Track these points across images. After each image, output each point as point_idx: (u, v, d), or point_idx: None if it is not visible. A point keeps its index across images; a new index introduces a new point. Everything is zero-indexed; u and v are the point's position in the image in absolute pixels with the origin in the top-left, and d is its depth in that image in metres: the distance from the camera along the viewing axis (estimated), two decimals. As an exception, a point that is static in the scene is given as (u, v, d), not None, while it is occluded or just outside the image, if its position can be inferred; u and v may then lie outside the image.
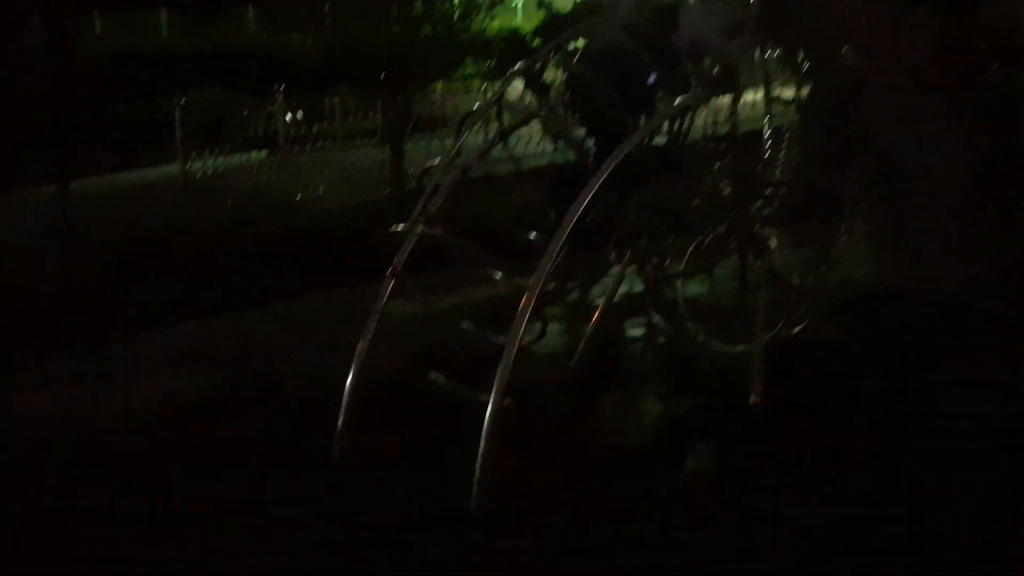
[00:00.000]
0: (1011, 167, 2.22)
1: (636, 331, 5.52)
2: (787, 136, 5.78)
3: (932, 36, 2.21)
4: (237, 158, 10.70)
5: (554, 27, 9.38)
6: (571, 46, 5.90)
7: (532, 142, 8.03)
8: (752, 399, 4.05)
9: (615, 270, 5.32)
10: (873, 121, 2.20)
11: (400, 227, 3.81)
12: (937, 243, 2.22)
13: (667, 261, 5.48)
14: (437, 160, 4.17)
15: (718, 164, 4.89)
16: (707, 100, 5.07)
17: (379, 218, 6.46)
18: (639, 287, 5.52)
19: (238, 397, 4.67)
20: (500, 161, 5.48)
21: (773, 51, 6.10)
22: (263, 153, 11.18)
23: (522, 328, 3.26)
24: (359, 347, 3.67)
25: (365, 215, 7.75)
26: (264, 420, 4.24)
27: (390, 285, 3.79)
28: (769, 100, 5.93)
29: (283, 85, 10.94)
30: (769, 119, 5.85)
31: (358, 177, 9.52)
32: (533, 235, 3.79)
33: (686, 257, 5.30)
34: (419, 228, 3.77)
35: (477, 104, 5.22)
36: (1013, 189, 2.27)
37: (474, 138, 4.90)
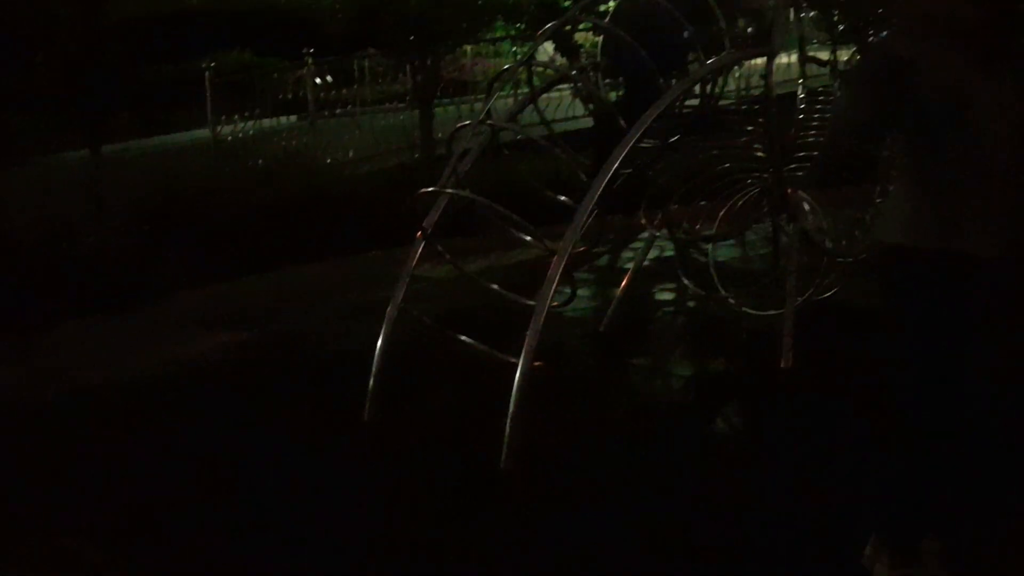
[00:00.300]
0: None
1: (666, 295, 5.49)
2: (821, 99, 5.69)
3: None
4: (267, 122, 10.71)
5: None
6: (602, 7, 5.85)
7: (563, 106, 7.98)
8: (782, 363, 4.03)
9: (646, 234, 5.31)
10: (919, 84, 2.15)
11: (429, 190, 3.80)
12: (978, 207, 2.17)
13: (698, 225, 5.44)
14: (467, 123, 4.15)
15: (751, 127, 4.80)
16: (740, 62, 5.02)
17: (408, 182, 6.46)
18: (670, 251, 5.50)
19: (271, 358, 4.72)
20: (531, 124, 5.47)
21: (808, 12, 5.99)
22: (293, 118, 11.17)
23: (552, 291, 3.26)
24: (389, 310, 3.68)
25: (395, 179, 7.75)
26: (295, 381, 4.29)
27: (419, 248, 3.79)
28: (804, 62, 5.84)
29: (312, 48, 10.90)
30: (803, 81, 5.76)
31: (388, 141, 9.49)
32: (563, 198, 3.76)
33: (717, 221, 5.27)
34: (448, 191, 3.76)
35: (507, 67, 5.15)
36: None
37: (504, 101, 4.89)
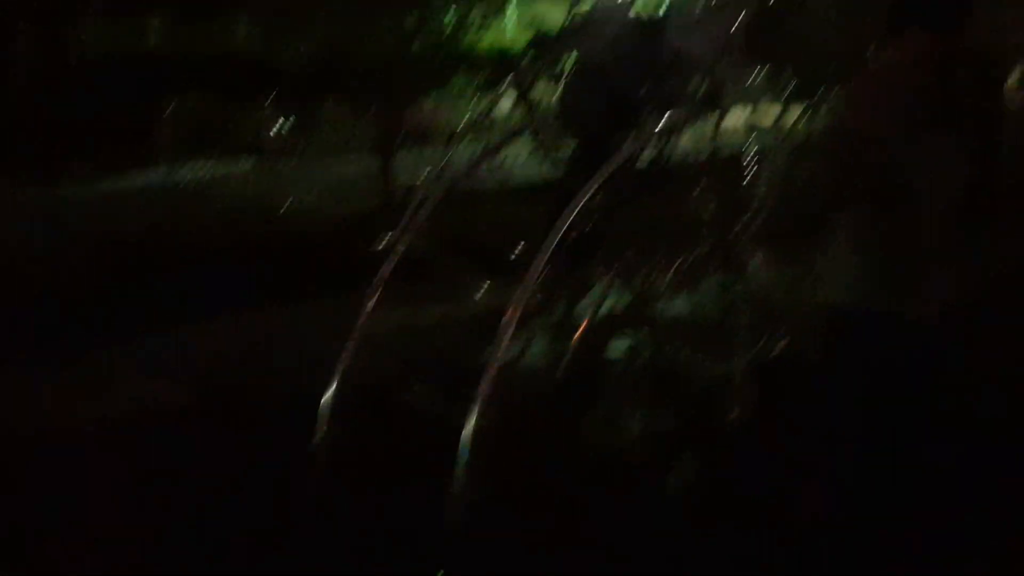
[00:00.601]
0: (994, 192, 2.25)
1: (621, 347, 5.51)
2: (773, 155, 5.82)
3: (921, 56, 2.23)
4: (225, 166, 10.65)
5: (544, 44, 9.44)
6: (561, 62, 5.96)
7: (521, 157, 8.04)
8: (733, 417, 4.07)
9: (601, 285, 5.35)
10: (867, 142, 2.22)
11: (385, 242, 3.81)
12: (921, 267, 2.24)
13: (653, 277, 5.49)
14: (428, 171, 4.20)
15: (704, 181, 4.89)
16: (694, 118, 5.12)
17: (367, 229, 6.44)
18: (625, 303, 5.52)
19: (218, 407, 4.64)
20: (490, 174, 5.52)
21: (761, 69, 6.16)
22: (251, 161, 11.14)
23: (505, 344, 3.27)
24: (341, 359, 3.66)
25: (353, 226, 7.73)
26: (242, 431, 4.21)
27: (374, 298, 3.79)
28: (756, 119, 5.98)
29: (273, 93, 10.92)
30: (755, 137, 5.89)
31: (347, 188, 9.50)
32: (518, 250, 3.79)
33: (671, 273, 5.32)
34: (403, 243, 3.78)
35: (467, 117, 5.22)
36: (994, 215, 2.30)
37: (465, 151, 4.93)
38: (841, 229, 2.44)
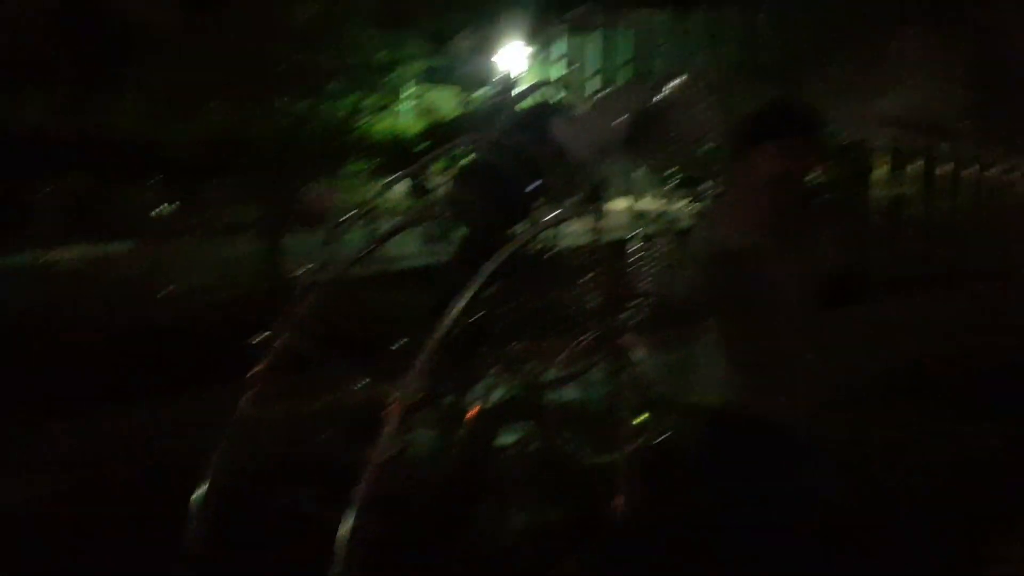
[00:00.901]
0: (843, 297, 2.39)
1: (508, 439, 5.48)
2: (654, 246, 6.02)
3: (778, 167, 2.36)
4: (103, 248, 10.29)
5: (439, 132, 9.62)
6: (454, 154, 6.07)
7: (411, 245, 8.05)
8: (616, 508, 4.08)
9: (489, 376, 5.35)
10: (730, 244, 2.34)
11: (264, 335, 3.72)
12: (782, 371, 2.34)
13: (539, 367, 5.53)
14: (315, 257, 4.16)
15: (589, 273, 5.00)
16: (577, 214, 5.27)
17: (252, 316, 6.29)
18: (513, 392, 5.53)
19: (81, 504, 4.39)
20: (379, 261, 5.50)
21: (642, 165, 6.42)
22: (132, 243, 10.80)
23: (387, 439, 3.20)
24: (214, 455, 3.51)
25: (238, 312, 7.53)
26: (107, 530, 3.98)
27: (251, 391, 3.68)
28: (637, 211, 6.20)
29: (158, 173, 10.70)
30: (637, 230, 6.09)
31: (233, 271, 9.29)
32: (405, 341, 3.77)
33: (557, 364, 5.38)
34: (285, 333, 3.70)
35: (359, 202, 5.21)
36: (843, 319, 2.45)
37: (355, 237, 4.91)
38: (711, 326, 2.55)
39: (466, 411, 5.52)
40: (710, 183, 8.08)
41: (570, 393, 6.08)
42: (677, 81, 5.14)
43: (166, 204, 10.62)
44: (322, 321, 4.14)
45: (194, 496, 3.45)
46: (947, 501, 4.67)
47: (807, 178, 2.52)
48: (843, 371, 2.56)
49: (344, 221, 4.62)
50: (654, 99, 5.02)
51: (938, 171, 8.07)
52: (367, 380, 3.63)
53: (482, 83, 10.84)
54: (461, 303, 3.66)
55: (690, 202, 6.63)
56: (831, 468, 2.41)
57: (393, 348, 4.08)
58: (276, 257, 8.49)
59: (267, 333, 3.75)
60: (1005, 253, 10.04)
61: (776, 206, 2.38)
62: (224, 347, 6.28)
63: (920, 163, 7.62)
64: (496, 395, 5.71)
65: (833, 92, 24.88)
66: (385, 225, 4.91)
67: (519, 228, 4.97)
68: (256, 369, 3.66)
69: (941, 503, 4.65)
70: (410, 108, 14.58)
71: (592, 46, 22.04)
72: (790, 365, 2.35)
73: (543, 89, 5.31)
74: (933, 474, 4.89)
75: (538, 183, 4.64)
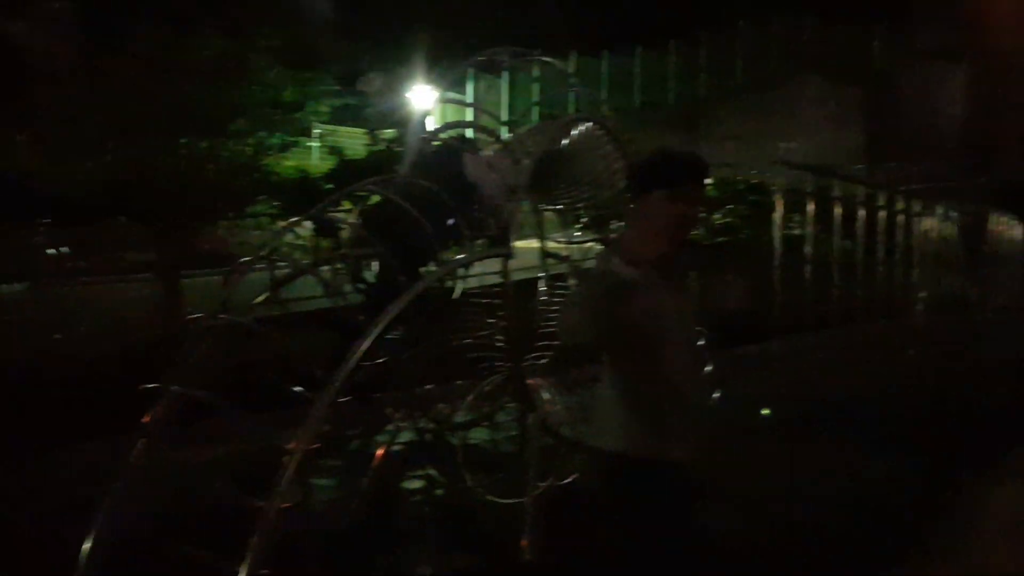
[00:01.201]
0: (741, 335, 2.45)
1: (415, 485, 5.41)
2: (561, 288, 6.07)
3: (665, 212, 2.47)
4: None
5: (346, 172, 9.54)
6: (361, 194, 6.00)
7: (311, 286, 7.86)
8: (523, 551, 4.03)
9: (396, 418, 5.26)
10: (634, 303, 2.41)
11: (153, 386, 3.57)
12: (673, 414, 2.44)
13: (446, 410, 5.48)
14: (218, 297, 4.03)
15: (498, 314, 4.99)
16: (486, 255, 5.28)
17: (148, 361, 6.06)
18: (421, 435, 5.46)
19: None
20: (282, 303, 5.37)
21: (550, 205, 6.48)
22: (22, 286, 10.30)
23: (283, 492, 3.10)
24: (102, 507, 3.34)
25: (133, 357, 7.25)
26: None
27: (142, 441, 3.52)
28: (544, 253, 6.24)
29: (54, 213, 10.27)
30: (544, 272, 6.13)
31: (129, 315, 8.95)
32: (300, 389, 3.66)
33: (464, 406, 5.34)
34: (181, 378, 3.56)
35: (263, 243, 5.08)
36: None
37: (254, 279, 4.79)
38: (606, 366, 2.60)
39: (372, 455, 5.42)
40: (617, 224, 8.21)
41: (478, 435, 6.06)
42: (585, 124, 5.25)
43: (62, 246, 10.18)
44: (220, 366, 4.01)
45: (83, 550, 3.26)
46: (841, 532, 4.79)
47: (700, 219, 2.63)
48: (742, 408, 2.62)
49: (245, 263, 4.52)
50: (562, 141, 5.11)
51: (836, 211, 8.48)
52: (266, 426, 3.50)
53: (391, 123, 10.83)
54: (364, 345, 3.59)
55: (598, 242, 6.70)
56: (723, 505, 2.53)
57: (294, 392, 3.98)
58: (175, 300, 8.22)
59: (160, 380, 3.59)
60: (896, 292, 10.50)
61: (666, 246, 2.47)
62: (119, 394, 6.04)
63: (814, 204, 8.00)
64: (403, 438, 5.65)
65: (737, 135, 25.80)
66: (289, 266, 4.82)
67: (428, 269, 4.96)
68: (149, 416, 3.50)
69: (836, 534, 4.77)
70: (318, 147, 14.49)
71: (501, 88, 22.35)
72: (682, 403, 2.41)
73: (450, 130, 5.34)
74: (827, 506, 5.01)
75: (447, 224, 4.63)
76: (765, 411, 2.48)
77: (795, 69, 28.28)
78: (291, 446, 3.20)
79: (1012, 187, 26.68)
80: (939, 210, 11.49)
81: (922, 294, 10.91)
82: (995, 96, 34.67)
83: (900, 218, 10.51)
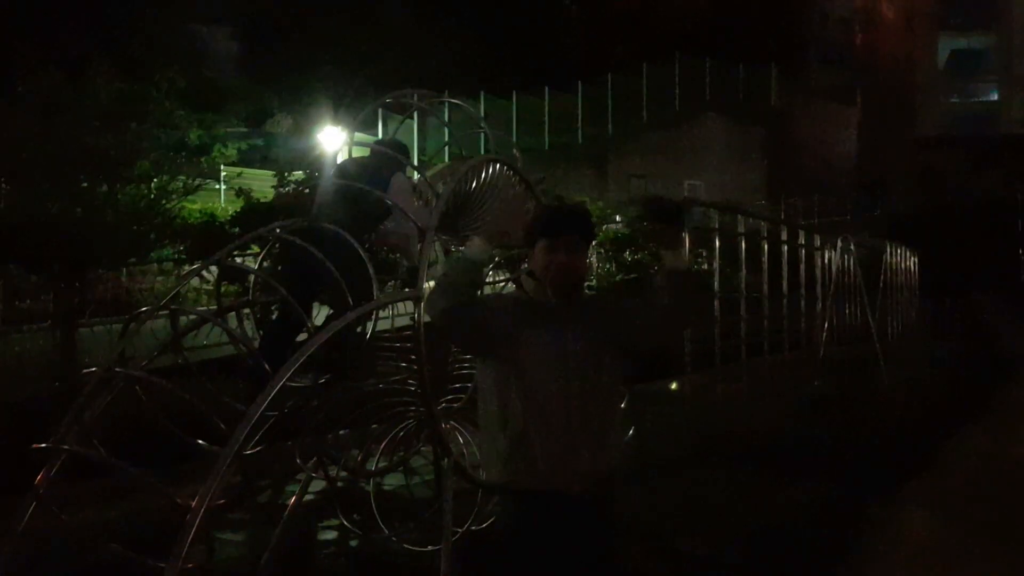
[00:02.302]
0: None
1: (328, 536, 5.24)
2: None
3: (551, 259, 2.66)
4: None
5: (254, 215, 9.32)
6: (268, 237, 5.85)
7: (213, 333, 7.59)
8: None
9: (308, 466, 5.10)
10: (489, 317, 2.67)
11: (42, 446, 3.37)
12: (553, 447, 2.51)
13: (359, 456, 5.34)
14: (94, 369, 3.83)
15: (405, 363, 4.91)
16: (394, 300, 5.22)
17: (42, 415, 5.75)
18: (333, 484, 5.30)
19: None
20: (182, 352, 5.18)
21: (457, 248, 6.45)
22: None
23: (184, 552, 2.93)
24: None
25: (25, 411, 6.86)
26: None
27: (31, 505, 3.30)
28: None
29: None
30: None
31: (22, 367, 8.50)
32: (201, 443, 3.52)
33: (378, 453, 5.22)
34: (65, 446, 3.37)
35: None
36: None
37: (156, 327, 4.59)
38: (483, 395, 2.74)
39: (283, 506, 5.24)
40: (525, 264, 8.23)
41: (393, 481, 5.93)
42: (495, 165, 5.24)
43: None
44: (116, 421, 3.82)
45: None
46: (748, 564, 4.84)
47: (586, 267, 2.86)
48: (651, 439, 2.66)
49: (144, 311, 4.34)
50: (472, 181, 5.10)
51: (742, 247, 8.74)
52: (167, 482, 3.34)
53: (300, 165, 10.68)
54: (269, 395, 3.45)
55: (510, 283, 6.70)
56: (622, 536, 2.61)
57: (197, 446, 3.81)
58: (71, 350, 7.84)
59: (52, 437, 3.39)
60: (801, 324, 10.81)
61: (556, 287, 2.67)
62: (7, 452, 5.69)
63: (719, 240, 8.23)
64: (315, 487, 5.47)
65: (643, 173, 26.40)
66: (192, 313, 4.65)
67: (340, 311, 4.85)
68: (41, 476, 3.30)
69: (742, 566, 4.82)
70: (224, 190, 14.20)
71: (412, 130, 22.38)
72: (575, 436, 2.48)
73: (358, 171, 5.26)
74: (734, 537, 5.06)
75: (349, 272, 4.54)
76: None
77: (698, 109, 29.26)
78: (193, 503, 3.05)
79: (903, 221, 28.06)
80: (839, 243, 11.91)
81: (825, 325, 11.26)
82: (885, 135, 36.56)
83: (802, 252, 10.85)
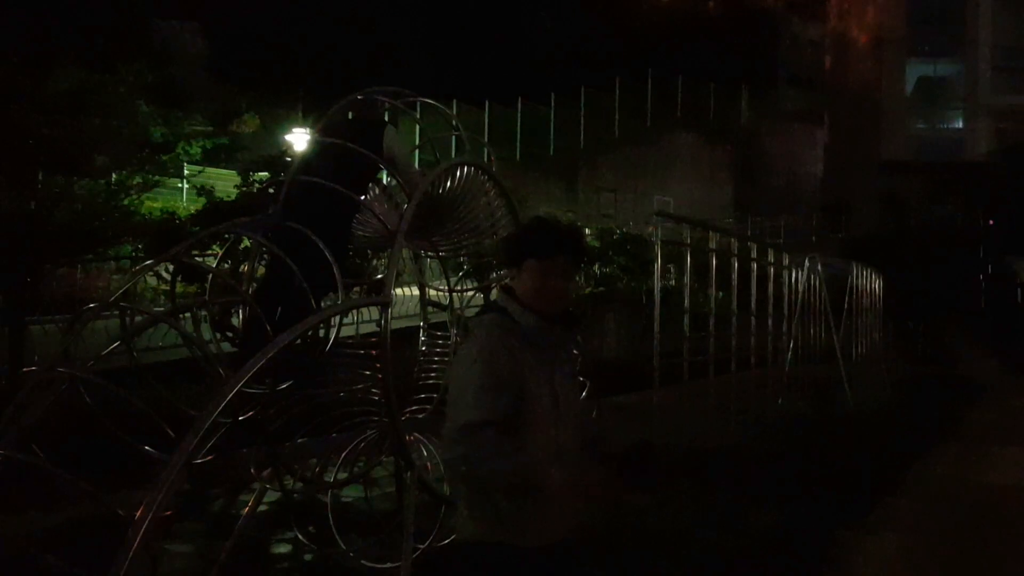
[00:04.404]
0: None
1: (282, 549, 5.02)
2: (442, 340, 5.86)
3: (539, 281, 2.46)
4: None
5: (215, 214, 9.05)
6: (228, 236, 5.63)
7: (169, 335, 7.30)
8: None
9: (263, 476, 4.88)
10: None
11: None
12: (531, 499, 2.30)
13: (318, 466, 5.14)
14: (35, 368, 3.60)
15: (369, 371, 4.71)
16: (360, 305, 5.02)
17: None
18: (289, 495, 5.09)
19: None
20: (133, 353, 4.93)
21: (428, 257, 6.29)
22: None
23: (125, 565, 2.72)
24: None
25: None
26: None
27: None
28: (425, 304, 6.02)
29: None
30: (424, 324, 5.90)
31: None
32: (149, 449, 3.30)
33: (338, 464, 5.01)
34: (9, 437, 3.14)
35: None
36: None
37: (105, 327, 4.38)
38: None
39: (235, 517, 5.01)
40: (498, 273, 8.09)
41: (352, 493, 5.71)
42: (468, 169, 5.09)
43: None
44: (59, 422, 3.59)
45: None
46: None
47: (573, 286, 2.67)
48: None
49: (91, 309, 4.11)
50: (441, 187, 4.93)
51: (712, 263, 8.68)
52: (112, 490, 3.13)
53: (264, 165, 10.41)
54: (223, 401, 3.25)
55: (479, 290, 6.55)
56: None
57: (146, 451, 3.59)
58: (18, 349, 7.50)
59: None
60: (768, 342, 10.78)
61: (546, 312, 2.47)
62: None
63: (689, 256, 8.15)
64: (270, 498, 5.25)
65: (613, 188, 26.44)
66: (144, 312, 4.43)
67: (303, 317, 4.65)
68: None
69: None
70: (186, 188, 13.89)
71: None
72: (545, 493, 2.31)
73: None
74: (708, 559, 4.93)
75: (315, 274, 4.34)
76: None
77: (669, 126, 29.42)
78: (137, 514, 2.84)
79: (866, 243, 28.40)
80: (806, 263, 11.92)
81: (791, 344, 11.23)
82: (851, 158, 37.07)
83: (771, 270, 10.82)
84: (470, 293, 6.32)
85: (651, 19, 34.88)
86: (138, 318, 4.20)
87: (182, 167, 15.00)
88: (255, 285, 4.95)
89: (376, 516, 5.20)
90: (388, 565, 4.27)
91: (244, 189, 9.65)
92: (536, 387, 2.36)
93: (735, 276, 9.39)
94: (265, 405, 4.33)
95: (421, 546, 4.23)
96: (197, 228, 8.65)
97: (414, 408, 5.35)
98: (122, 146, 8.88)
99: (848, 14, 41.66)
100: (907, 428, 10.12)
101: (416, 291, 6.32)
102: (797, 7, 39.44)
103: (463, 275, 6.97)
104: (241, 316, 5.06)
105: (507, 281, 2.60)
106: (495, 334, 2.40)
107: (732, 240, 9.82)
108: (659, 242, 7.74)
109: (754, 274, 9.94)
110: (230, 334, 4.89)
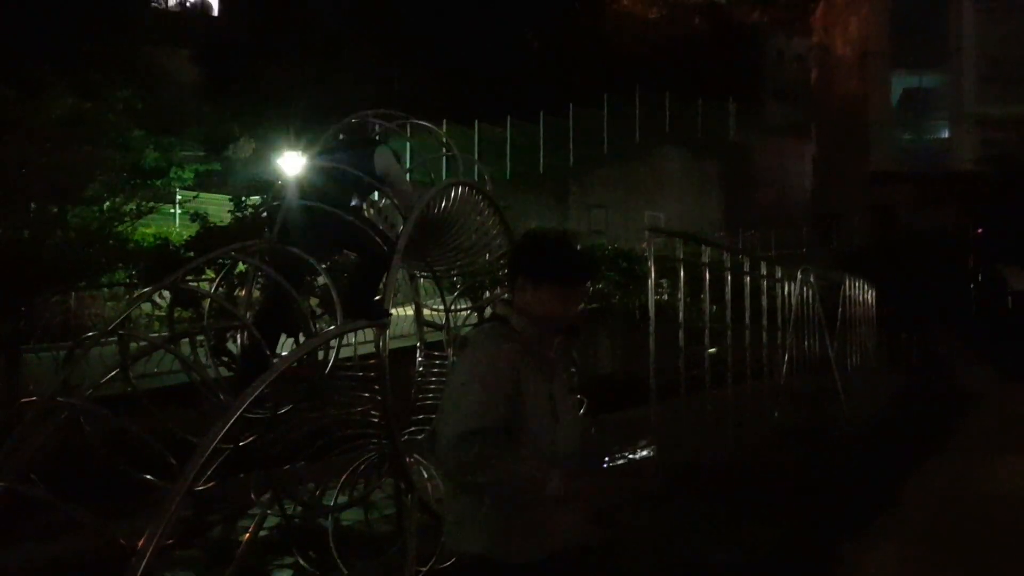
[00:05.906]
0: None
1: (283, 573, 4.99)
2: (439, 359, 5.86)
3: (544, 307, 2.43)
4: None
5: (209, 239, 9.06)
6: (224, 262, 5.64)
7: (164, 360, 7.28)
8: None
9: (263, 501, 4.87)
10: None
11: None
12: (525, 514, 2.31)
13: (317, 490, 5.13)
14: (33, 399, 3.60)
15: (368, 393, 4.71)
16: (359, 327, 5.04)
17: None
18: (289, 519, 5.07)
19: None
20: (137, 379, 4.93)
21: (422, 276, 6.30)
22: None
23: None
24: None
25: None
26: None
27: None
28: (421, 323, 6.03)
29: None
30: (421, 344, 5.91)
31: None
32: (149, 477, 3.30)
33: (338, 487, 5.00)
34: (13, 467, 3.14)
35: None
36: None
37: (105, 353, 4.37)
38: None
39: (236, 543, 4.99)
40: (491, 293, 8.10)
41: (352, 517, 5.69)
42: (463, 188, 5.11)
43: None
44: (59, 452, 3.58)
45: None
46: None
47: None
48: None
49: (89, 337, 4.12)
50: (435, 207, 4.96)
51: (705, 277, 8.70)
52: (112, 519, 3.12)
53: (258, 190, 10.42)
54: (223, 428, 3.25)
55: (474, 310, 6.56)
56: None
57: (146, 479, 3.60)
58: (16, 376, 7.48)
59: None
60: (763, 354, 10.79)
61: (554, 331, 2.46)
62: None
63: (682, 270, 8.17)
64: (270, 523, 5.23)
65: (604, 204, 26.49)
66: (143, 339, 4.43)
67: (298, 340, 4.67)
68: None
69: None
70: (180, 214, 13.86)
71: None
72: (536, 507, 2.32)
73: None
74: (711, 572, 4.93)
75: (316, 292, 4.39)
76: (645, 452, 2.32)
77: (658, 142, 29.53)
78: (139, 544, 2.83)
79: (857, 254, 28.51)
80: (798, 275, 11.97)
81: (786, 356, 11.25)
82: (839, 170, 37.28)
83: (763, 283, 10.86)
84: (465, 312, 6.33)
85: (638, 36, 35.12)
86: (136, 344, 4.21)
87: (174, 192, 15.00)
88: (256, 308, 4.96)
89: (377, 540, 5.18)
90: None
91: (237, 215, 9.66)
92: (535, 397, 2.34)
93: (728, 289, 9.41)
94: (266, 430, 4.33)
95: (423, 569, 4.23)
96: (191, 254, 8.66)
97: (412, 429, 5.35)
98: (115, 173, 8.90)
99: (832, 29, 42.04)
100: (904, 438, 10.12)
101: (411, 311, 6.32)
102: (782, 23, 39.78)
103: (458, 294, 6.97)
104: (239, 341, 5.07)
105: (506, 296, 2.60)
106: (495, 343, 2.38)
107: (724, 253, 9.84)
108: (652, 257, 7.76)
109: (747, 287, 9.96)
110: (226, 359, 4.90)
